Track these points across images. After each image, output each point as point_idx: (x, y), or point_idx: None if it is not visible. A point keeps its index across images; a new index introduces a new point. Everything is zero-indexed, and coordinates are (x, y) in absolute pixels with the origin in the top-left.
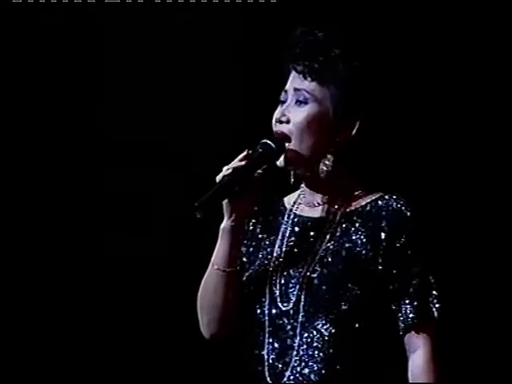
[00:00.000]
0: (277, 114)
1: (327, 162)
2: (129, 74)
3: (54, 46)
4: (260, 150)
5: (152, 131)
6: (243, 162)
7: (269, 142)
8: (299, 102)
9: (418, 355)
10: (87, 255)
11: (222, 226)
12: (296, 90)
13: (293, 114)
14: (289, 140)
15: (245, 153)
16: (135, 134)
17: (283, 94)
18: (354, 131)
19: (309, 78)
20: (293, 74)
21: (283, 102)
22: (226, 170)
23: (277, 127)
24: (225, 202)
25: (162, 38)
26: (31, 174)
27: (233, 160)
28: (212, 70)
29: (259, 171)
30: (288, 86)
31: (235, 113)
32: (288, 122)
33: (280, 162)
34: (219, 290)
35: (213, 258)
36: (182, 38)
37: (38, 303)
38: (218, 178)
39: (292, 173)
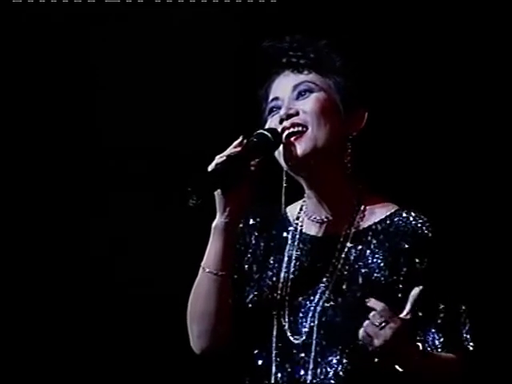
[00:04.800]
0: (281, 112)
1: (349, 158)
2: (126, 77)
3: (53, 47)
4: (255, 140)
5: (150, 134)
6: (238, 149)
7: (265, 132)
8: (303, 93)
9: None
10: (82, 261)
11: (215, 223)
12: (295, 85)
13: (300, 106)
14: (305, 128)
15: (240, 139)
16: (131, 134)
17: (273, 102)
18: (363, 124)
19: (306, 71)
20: (279, 79)
21: (276, 110)
22: (219, 158)
23: (286, 122)
24: (218, 193)
25: (160, 38)
26: (24, 177)
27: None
28: (211, 70)
29: (253, 163)
30: (279, 93)
31: (235, 114)
32: (297, 113)
33: (286, 161)
34: (211, 296)
35: (204, 261)
36: (181, 38)
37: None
38: (211, 166)
39: (284, 185)
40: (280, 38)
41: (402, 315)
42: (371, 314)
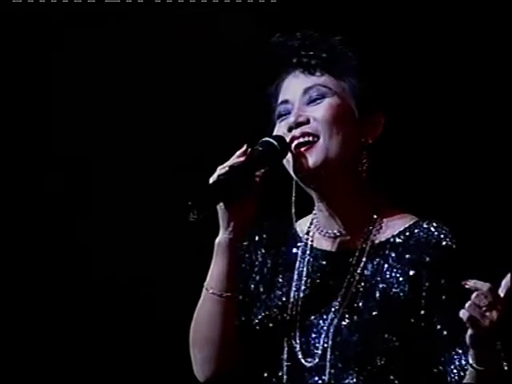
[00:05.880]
0: (291, 120)
1: (364, 167)
2: (125, 76)
3: (53, 47)
4: (260, 149)
5: (151, 135)
6: (242, 159)
7: (271, 140)
8: (315, 100)
9: None
10: (82, 261)
11: (218, 239)
12: (306, 89)
13: (311, 112)
14: (316, 138)
15: (243, 148)
16: (132, 134)
17: (282, 106)
18: (380, 130)
19: (318, 73)
20: (289, 79)
21: (285, 115)
22: (221, 168)
23: (295, 131)
24: (220, 207)
25: (160, 37)
26: (25, 177)
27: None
28: (211, 70)
29: (258, 173)
30: (289, 95)
31: (234, 117)
32: (308, 121)
33: (295, 173)
34: (216, 319)
35: (207, 281)
36: (181, 38)
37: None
38: (213, 178)
39: (293, 199)
40: (290, 34)
41: None
42: (474, 294)
